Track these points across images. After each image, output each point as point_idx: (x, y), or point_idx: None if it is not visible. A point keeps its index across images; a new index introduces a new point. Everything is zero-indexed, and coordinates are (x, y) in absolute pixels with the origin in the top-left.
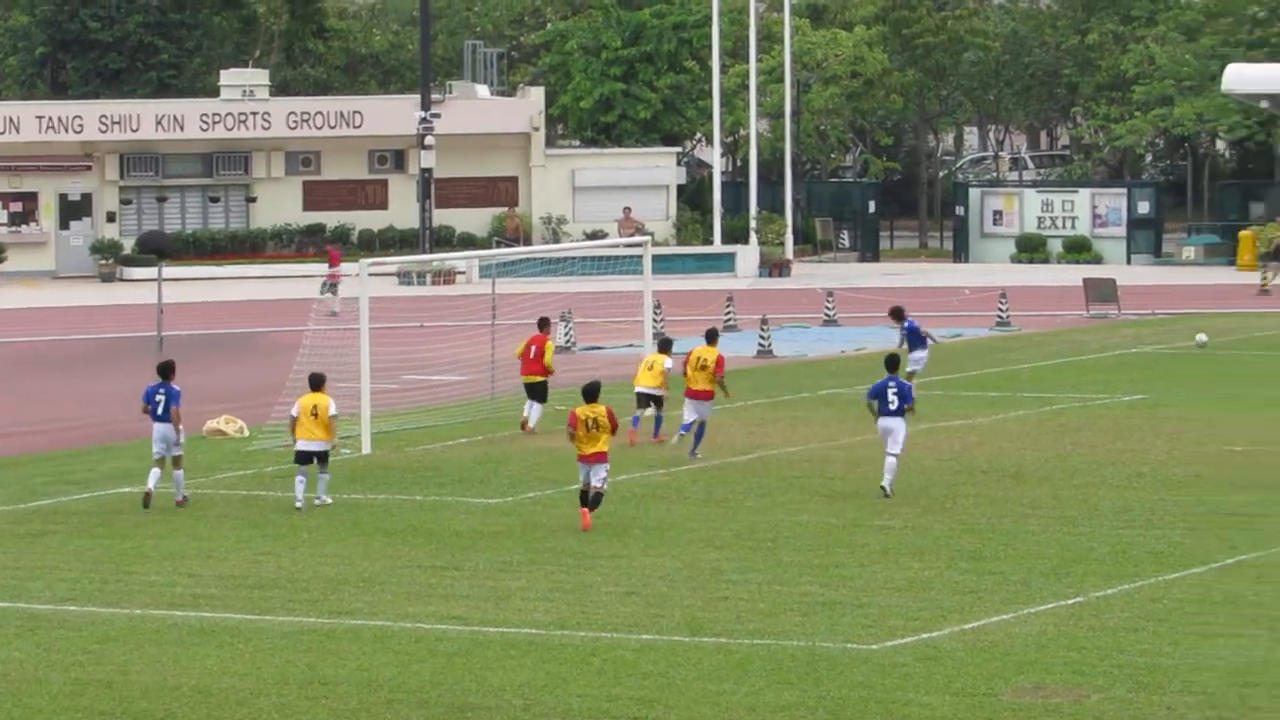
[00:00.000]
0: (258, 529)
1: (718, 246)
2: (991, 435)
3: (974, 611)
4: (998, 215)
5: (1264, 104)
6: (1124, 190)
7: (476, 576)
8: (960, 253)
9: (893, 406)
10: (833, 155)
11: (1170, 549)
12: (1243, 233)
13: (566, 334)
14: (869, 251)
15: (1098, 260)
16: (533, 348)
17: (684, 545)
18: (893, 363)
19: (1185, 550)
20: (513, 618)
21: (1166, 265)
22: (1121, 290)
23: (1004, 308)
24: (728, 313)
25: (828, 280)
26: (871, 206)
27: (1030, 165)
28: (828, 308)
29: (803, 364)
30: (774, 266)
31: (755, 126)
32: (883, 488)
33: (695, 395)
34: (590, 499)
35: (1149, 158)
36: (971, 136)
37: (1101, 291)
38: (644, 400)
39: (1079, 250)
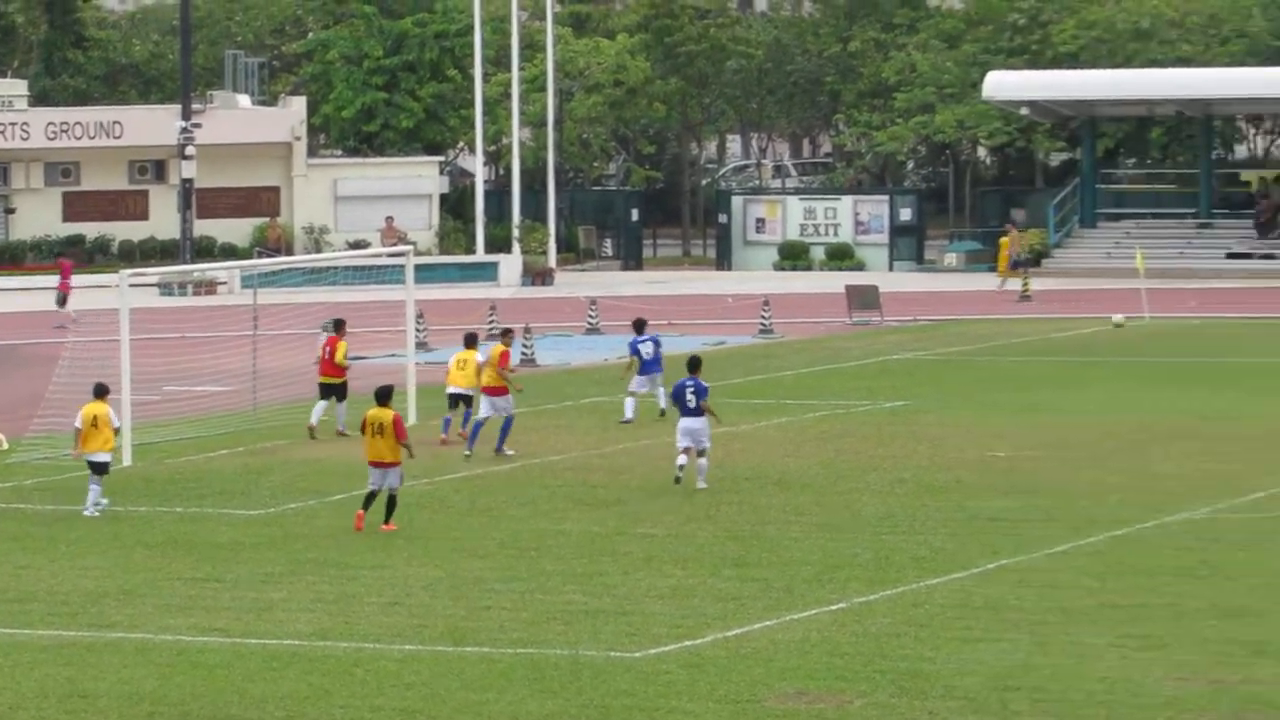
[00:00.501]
0: (16, 542)
1: (481, 255)
2: (755, 442)
3: (738, 618)
4: (760, 223)
5: (1024, 111)
6: (886, 197)
7: (238, 588)
8: (723, 260)
9: (691, 405)
10: (596, 164)
11: (932, 554)
12: (1003, 239)
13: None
14: (632, 260)
15: (860, 267)
16: (327, 349)
17: (447, 555)
18: (694, 364)
19: (947, 555)
20: (275, 629)
21: (929, 272)
22: (884, 297)
23: (767, 315)
24: (491, 321)
25: (591, 289)
26: (634, 215)
27: (793, 173)
28: (590, 316)
29: (566, 372)
30: (537, 275)
31: (518, 135)
32: (677, 479)
33: (490, 392)
34: (386, 504)
35: (911, 165)
36: (734, 144)
37: (864, 298)
38: (455, 401)
39: (841, 257)
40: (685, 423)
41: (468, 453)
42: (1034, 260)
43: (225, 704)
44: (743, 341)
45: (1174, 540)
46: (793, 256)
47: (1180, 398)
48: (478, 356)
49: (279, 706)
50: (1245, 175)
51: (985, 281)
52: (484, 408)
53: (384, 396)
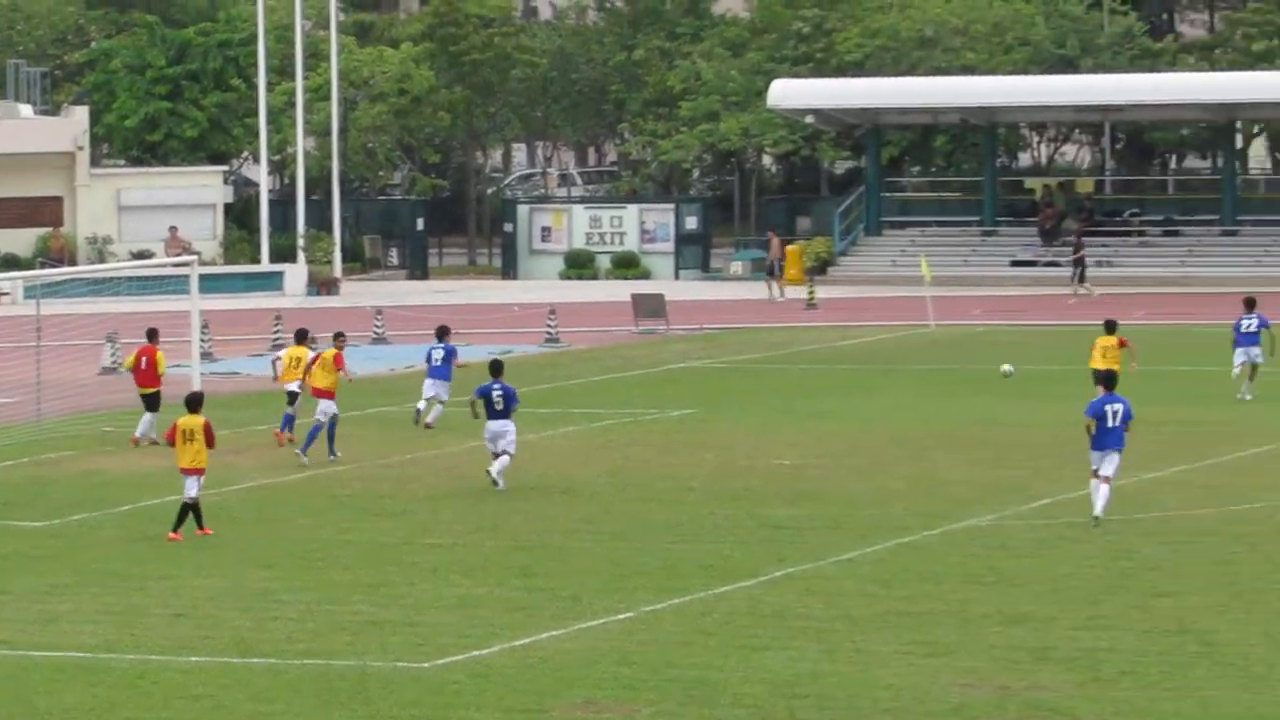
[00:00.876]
0: None
1: (266, 265)
2: (542, 452)
3: (525, 628)
4: (546, 232)
5: (809, 119)
6: (672, 206)
7: (23, 600)
8: (509, 269)
9: (499, 408)
10: (381, 173)
11: (720, 562)
12: (790, 247)
13: (113, 355)
14: (418, 269)
15: (646, 276)
16: (143, 359)
17: (234, 565)
18: (496, 368)
19: (735, 563)
20: (60, 641)
21: (715, 280)
22: (670, 305)
23: (553, 324)
24: (276, 331)
25: (377, 298)
26: (420, 224)
27: (579, 182)
28: (377, 326)
29: (351, 382)
30: (323, 285)
31: (302, 144)
32: (494, 481)
33: (319, 394)
34: (194, 512)
35: (696, 173)
36: (520, 153)
37: (650, 307)
38: (292, 397)
39: (627, 266)
40: (492, 425)
41: (302, 455)
42: (820, 268)
43: (9, 717)
44: (529, 350)
45: (960, 547)
46: (579, 265)
47: (965, 405)
48: (309, 354)
49: (64, 719)
50: (1029, 183)
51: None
52: (317, 409)
53: (194, 404)
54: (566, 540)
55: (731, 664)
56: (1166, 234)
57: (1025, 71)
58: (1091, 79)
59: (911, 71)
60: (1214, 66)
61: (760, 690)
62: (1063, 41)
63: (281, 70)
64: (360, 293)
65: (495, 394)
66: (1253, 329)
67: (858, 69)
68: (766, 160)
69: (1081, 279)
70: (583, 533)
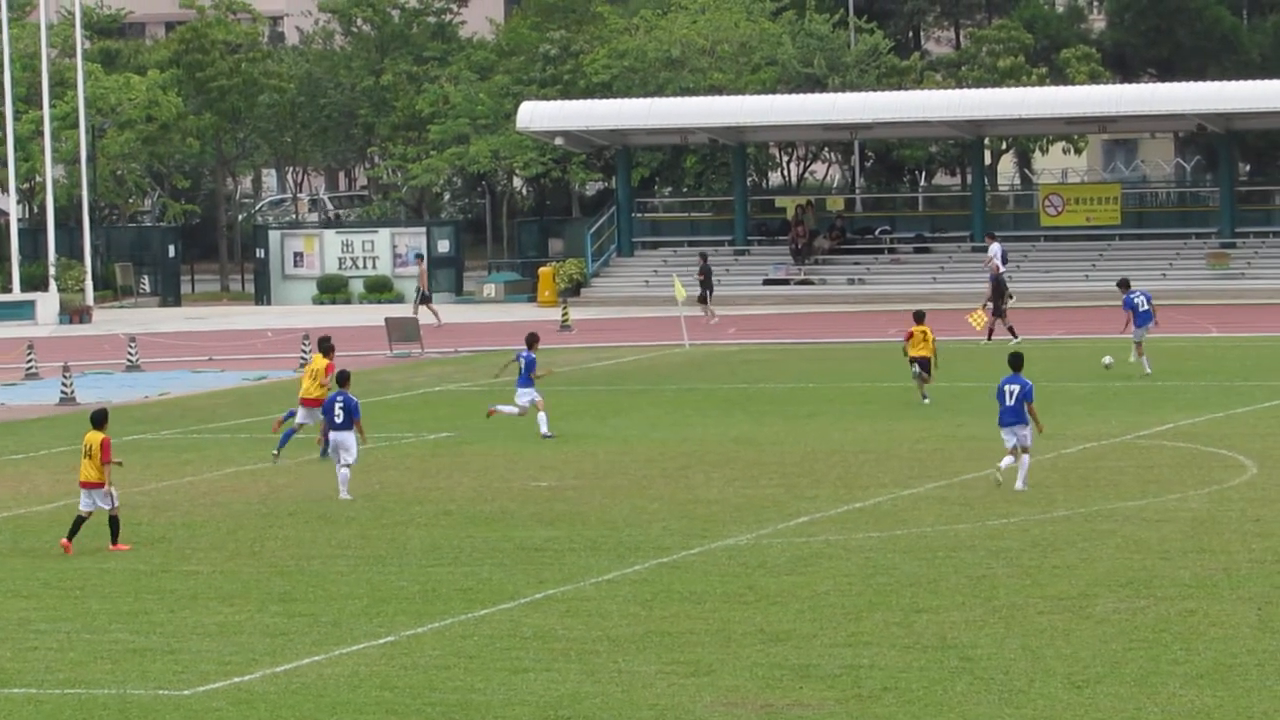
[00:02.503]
0: None
1: (16, 294)
2: (298, 477)
3: (285, 654)
4: (299, 257)
5: (558, 141)
6: (424, 229)
7: None
8: (262, 295)
9: (339, 420)
10: (131, 200)
11: (479, 585)
12: (543, 269)
13: None
14: (170, 296)
15: (400, 299)
16: None
17: None
18: (343, 378)
19: (494, 586)
20: None
21: (468, 303)
22: (424, 329)
23: (307, 349)
24: (29, 361)
25: (130, 326)
26: (172, 250)
27: (330, 206)
28: (130, 353)
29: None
30: (75, 313)
31: (51, 172)
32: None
33: (308, 403)
34: (109, 525)
35: (448, 196)
36: (270, 179)
37: (404, 331)
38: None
39: (381, 290)
40: (335, 436)
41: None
42: (573, 290)
43: None
44: (284, 376)
45: (719, 566)
46: (332, 290)
47: (720, 424)
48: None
49: None
50: (780, 202)
51: (525, 312)
52: (302, 415)
53: (98, 420)
54: (325, 565)
55: (493, 686)
56: (918, 251)
57: (773, 91)
58: (839, 97)
59: (660, 92)
60: (961, 84)
61: (523, 713)
62: (810, 60)
63: (28, 99)
64: (113, 320)
65: (337, 405)
66: (1145, 307)
67: (606, 90)
68: (517, 182)
69: (703, 300)
70: (341, 558)
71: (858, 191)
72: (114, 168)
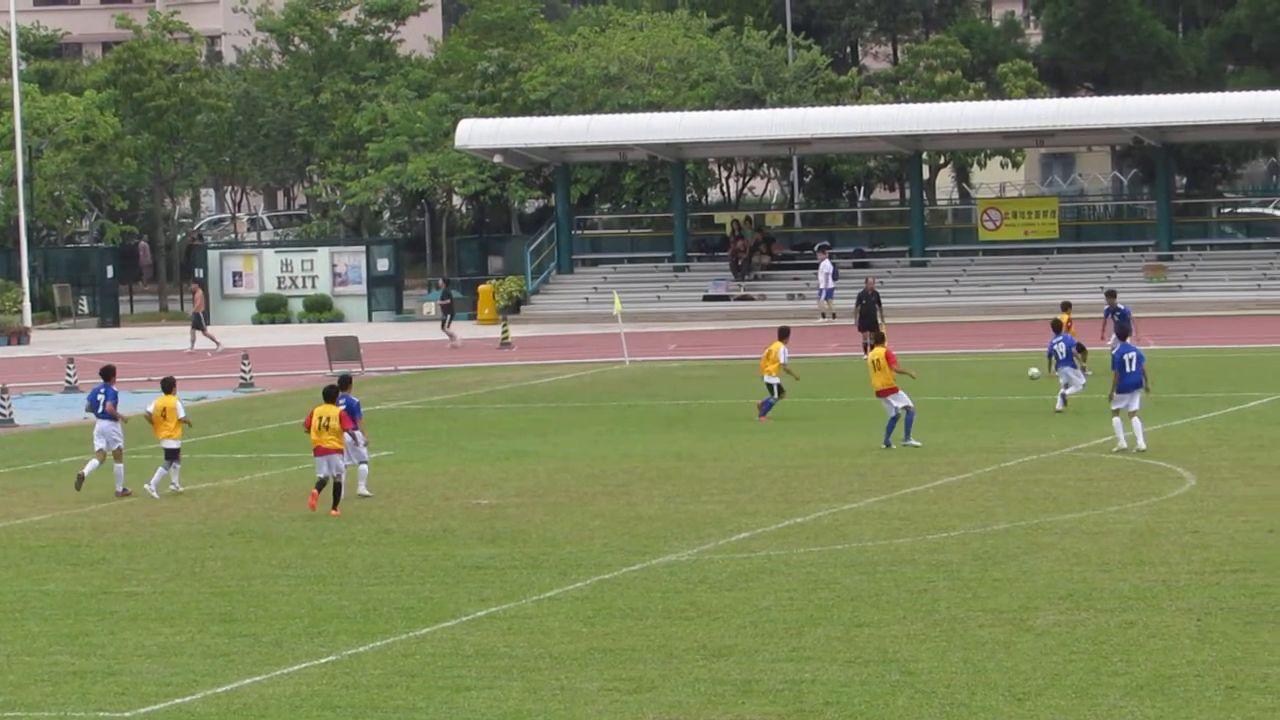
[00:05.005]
0: None
1: None
2: (238, 497)
3: (227, 675)
4: (238, 276)
5: (497, 158)
6: (363, 248)
7: None
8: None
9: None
10: (69, 221)
11: (421, 604)
12: (482, 287)
13: None
14: (109, 316)
15: (340, 318)
16: None
17: None
18: (345, 382)
19: (436, 604)
20: None
21: (408, 321)
22: (364, 348)
23: (247, 369)
24: None
25: (68, 347)
26: (110, 271)
27: (269, 226)
28: (69, 374)
29: (45, 432)
30: (13, 335)
31: None
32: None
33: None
34: (332, 489)
35: (387, 215)
36: (209, 198)
37: (344, 350)
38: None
39: (320, 309)
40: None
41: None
42: (513, 307)
43: None
44: (224, 395)
45: (661, 582)
46: (271, 309)
47: (661, 440)
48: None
49: None
50: (719, 218)
51: (465, 330)
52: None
53: (330, 394)
54: (266, 585)
55: (435, 705)
56: (857, 265)
57: (711, 107)
58: (777, 113)
59: (598, 109)
60: (898, 99)
61: None
62: (748, 76)
63: None
64: (51, 342)
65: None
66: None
67: (544, 108)
68: (456, 200)
69: (444, 326)
70: (282, 577)
71: (796, 207)
72: (51, 188)
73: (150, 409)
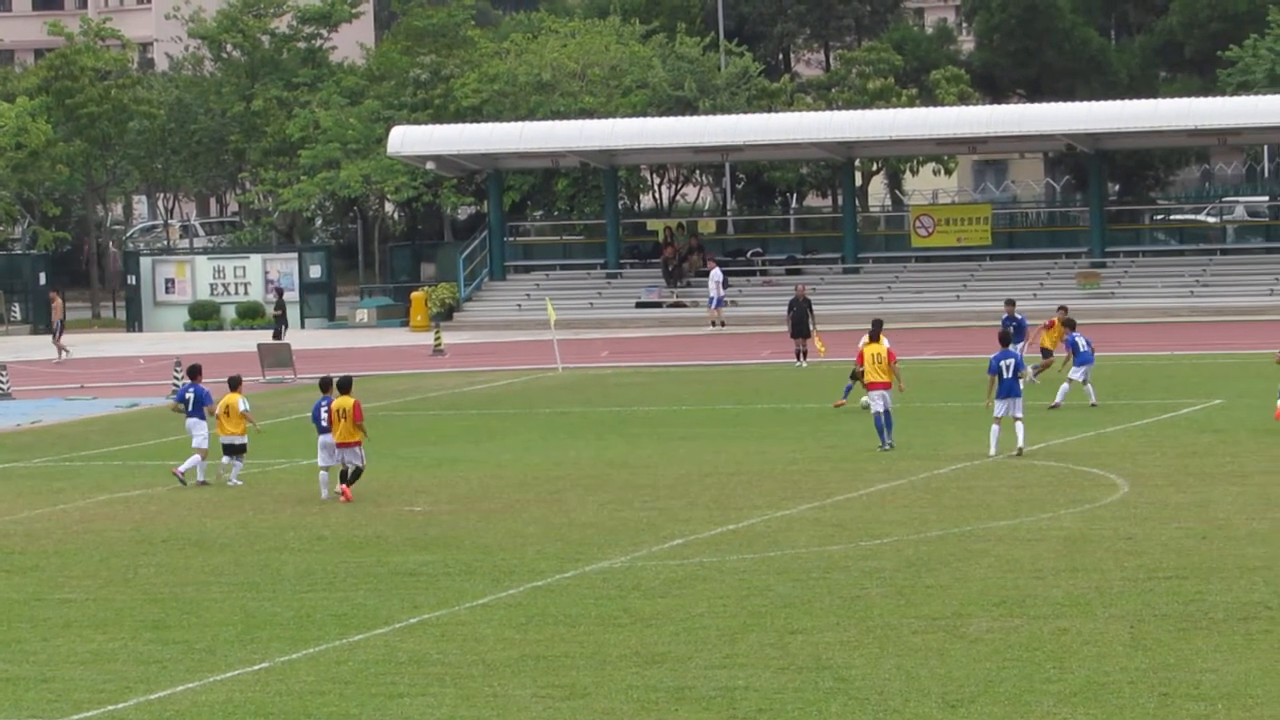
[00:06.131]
0: None
1: None
2: (171, 504)
3: (160, 681)
4: (170, 283)
5: (430, 165)
6: (295, 255)
7: None
8: (134, 322)
9: (326, 424)
10: (1, 228)
11: (354, 610)
12: (415, 294)
13: None
14: (41, 324)
15: (272, 326)
16: None
17: None
18: (343, 383)
19: (369, 611)
20: None
21: (340, 328)
22: (296, 355)
23: (179, 376)
24: None
25: (0, 354)
26: (42, 278)
27: (201, 232)
28: (1, 382)
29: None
30: None
31: None
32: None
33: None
34: (349, 475)
35: (319, 221)
36: (141, 205)
37: (277, 357)
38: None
39: (253, 316)
40: (324, 438)
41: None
42: (445, 314)
43: None
44: (156, 403)
45: (595, 589)
46: (203, 316)
47: (594, 447)
48: (241, 404)
49: None
50: (652, 224)
51: (398, 337)
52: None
53: (345, 386)
54: (199, 592)
55: (368, 712)
56: (790, 272)
57: (644, 114)
58: (710, 120)
59: (531, 116)
60: (831, 105)
61: None
62: (680, 83)
63: None
64: None
65: (323, 411)
66: (1085, 348)
67: (477, 114)
68: (389, 207)
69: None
70: (215, 584)
71: (729, 214)
72: None
73: (215, 406)
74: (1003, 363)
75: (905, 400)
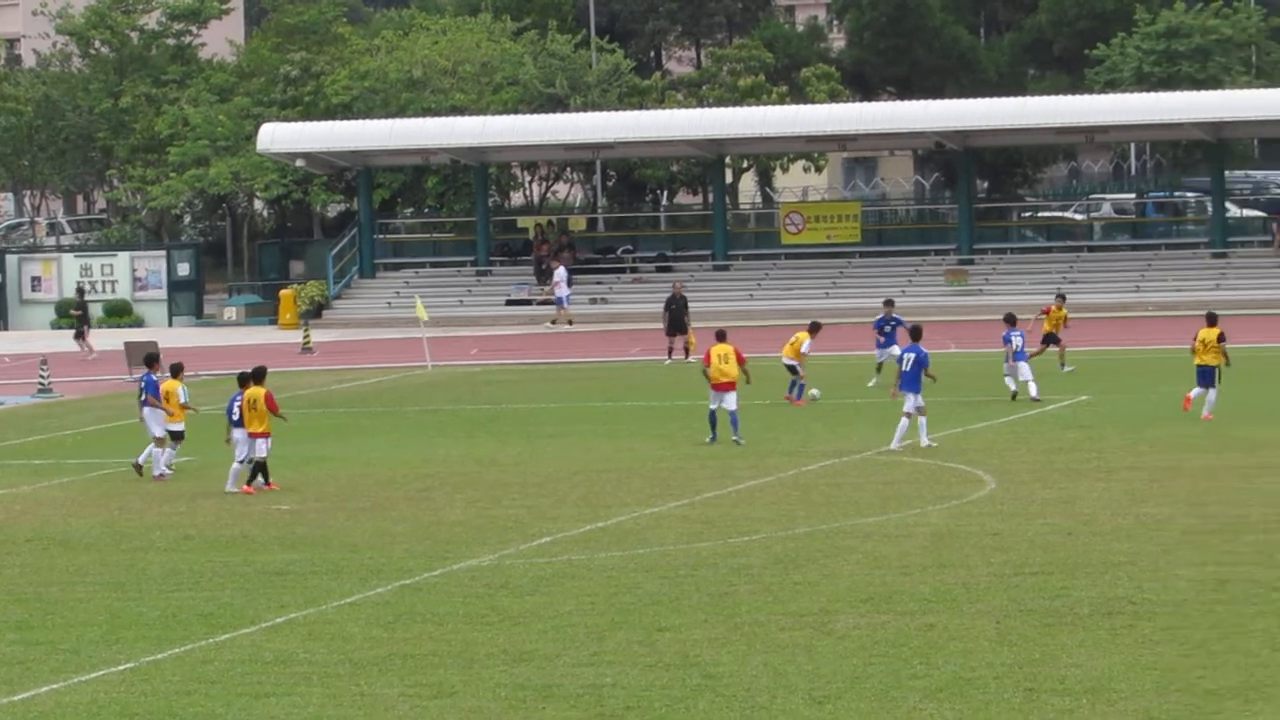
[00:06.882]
0: None
1: None
2: (35, 504)
3: (24, 683)
4: (36, 281)
5: (300, 162)
6: (164, 253)
7: None
8: (0, 320)
9: (237, 418)
10: None
11: (221, 610)
12: (284, 291)
13: None
14: None
15: (140, 324)
16: None
17: None
18: (257, 375)
19: (235, 610)
20: None
21: (209, 326)
22: (164, 353)
23: (45, 374)
24: None
25: None
26: None
27: (68, 230)
28: None
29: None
30: None
31: None
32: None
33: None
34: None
35: (188, 219)
36: (7, 202)
37: (144, 355)
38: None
39: (121, 314)
40: (237, 433)
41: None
42: (315, 312)
43: None
44: (22, 401)
45: (463, 587)
46: (70, 314)
47: (463, 445)
48: (180, 392)
49: None
50: (522, 222)
51: (266, 335)
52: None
53: (259, 376)
54: (63, 592)
55: (235, 712)
56: (660, 270)
57: (515, 111)
58: (581, 117)
59: (401, 113)
60: (702, 103)
61: None
62: (552, 80)
63: None
64: None
65: (236, 405)
66: (1019, 346)
67: (347, 111)
68: (258, 204)
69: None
70: (80, 584)
71: (600, 211)
72: None
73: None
74: (905, 356)
75: (774, 397)
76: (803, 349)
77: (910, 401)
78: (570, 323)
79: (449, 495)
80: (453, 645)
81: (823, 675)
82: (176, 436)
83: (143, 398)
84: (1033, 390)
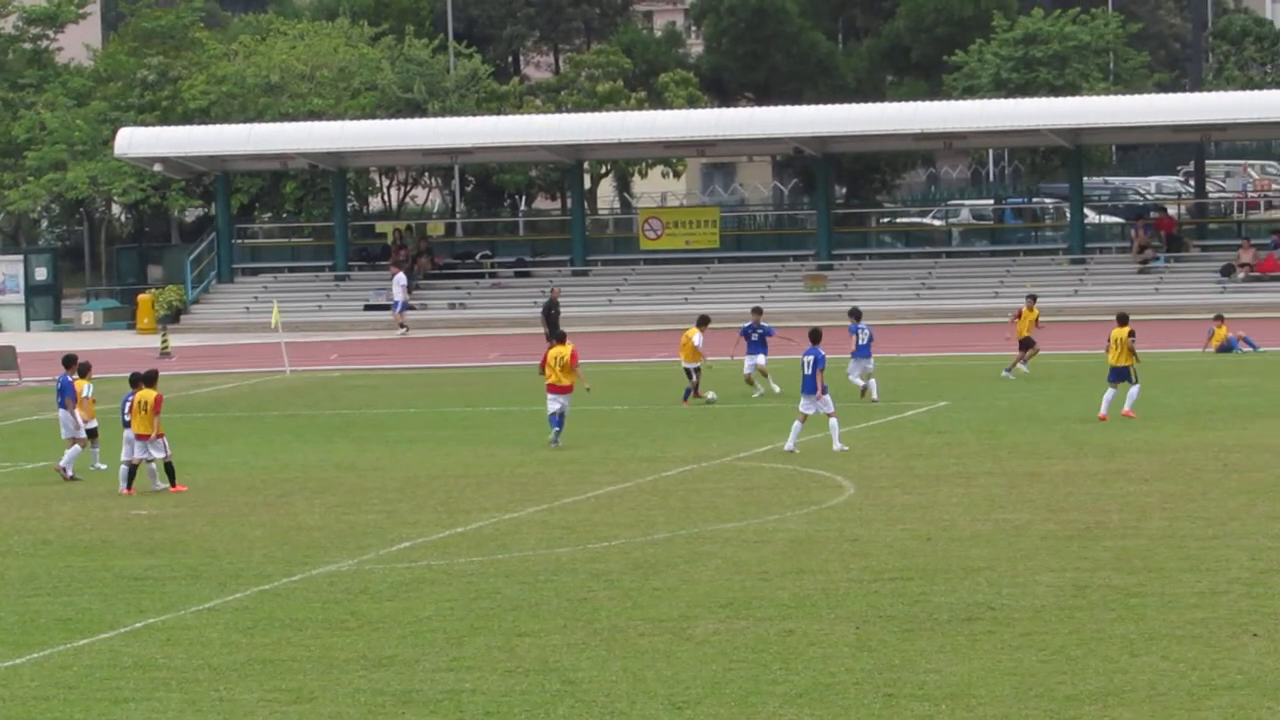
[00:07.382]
0: None
1: None
2: None
3: None
4: None
5: (157, 167)
6: (21, 257)
7: None
8: None
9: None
10: None
11: (79, 615)
12: (142, 296)
13: None
14: None
15: None
16: None
17: None
18: (150, 377)
19: (94, 615)
20: None
21: (66, 331)
22: (22, 358)
23: None
24: None
25: None
26: None
27: None
28: None
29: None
30: None
31: None
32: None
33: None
34: (166, 469)
35: (45, 223)
36: None
37: (1, 360)
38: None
39: None
40: (127, 433)
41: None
42: (173, 317)
43: None
44: None
45: (321, 593)
46: None
47: (322, 450)
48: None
49: None
50: (381, 227)
51: (124, 339)
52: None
53: (151, 379)
54: None
55: (93, 717)
56: (519, 275)
57: (373, 116)
58: (439, 122)
59: (259, 118)
60: (560, 108)
61: None
62: (410, 85)
63: None
64: None
65: (127, 405)
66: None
67: (205, 116)
68: (116, 209)
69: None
70: None
71: (458, 216)
72: None
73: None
74: (806, 359)
75: (633, 402)
76: (695, 343)
77: (805, 403)
78: (406, 329)
79: (308, 500)
80: (312, 650)
81: (682, 681)
82: (92, 435)
83: (60, 400)
84: (874, 392)
